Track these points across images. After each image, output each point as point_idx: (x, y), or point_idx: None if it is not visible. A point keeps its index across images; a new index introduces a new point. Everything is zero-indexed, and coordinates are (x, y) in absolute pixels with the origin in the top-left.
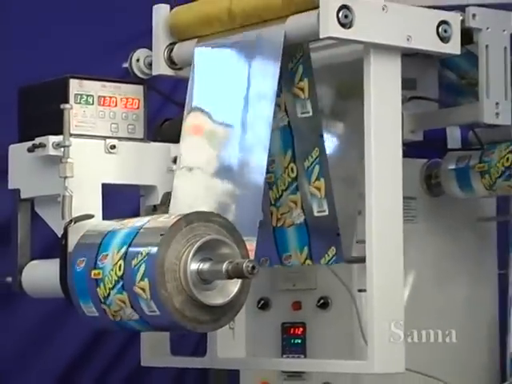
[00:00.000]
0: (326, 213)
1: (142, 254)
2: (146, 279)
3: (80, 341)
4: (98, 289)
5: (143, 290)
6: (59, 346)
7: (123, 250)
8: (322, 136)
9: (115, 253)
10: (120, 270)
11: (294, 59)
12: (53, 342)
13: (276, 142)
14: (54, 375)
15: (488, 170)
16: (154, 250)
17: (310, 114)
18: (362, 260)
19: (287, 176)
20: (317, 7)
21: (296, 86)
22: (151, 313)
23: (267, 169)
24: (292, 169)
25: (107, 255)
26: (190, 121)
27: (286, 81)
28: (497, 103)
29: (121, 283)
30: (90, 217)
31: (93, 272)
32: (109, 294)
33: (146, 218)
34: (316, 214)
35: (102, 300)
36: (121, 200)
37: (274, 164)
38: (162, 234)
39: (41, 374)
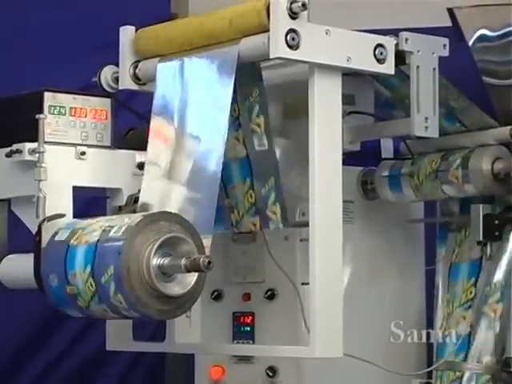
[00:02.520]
0: (281, 228)
1: (107, 273)
2: (119, 295)
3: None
4: (77, 301)
5: (120, 302)
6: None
7: (88, 268)
8: (277, 166)
9: (82, 271)
10: (92, 286)
11: (251, 98)
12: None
13: (236, 171)
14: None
15: (418, 179)
16: (118, 270)
17: (266, 147)
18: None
19: (247, 201)
20: (267, 30)
21: (253, 123)
22: (132, 316)
23: (228, 194)
24: (251, 195)
25: (75, 274)
26: (155, 128)
27: (244, 117)
28: (426, 118)
29: (97, 297)
30: (62, 216)
31: (68, 288)
32: (89, 305)
33: (110, 220)
34: (271, 229)
35: (85, 309)
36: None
37: (234, 190)
38: (119, 253)
39: None
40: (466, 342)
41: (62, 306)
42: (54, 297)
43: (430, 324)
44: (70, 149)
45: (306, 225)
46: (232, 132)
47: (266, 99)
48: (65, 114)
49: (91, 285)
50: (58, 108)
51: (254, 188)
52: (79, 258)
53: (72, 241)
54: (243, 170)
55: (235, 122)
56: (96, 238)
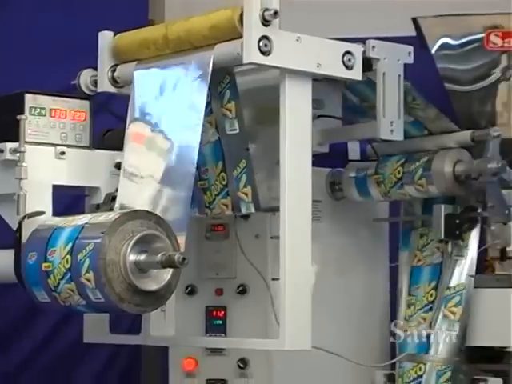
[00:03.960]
0: (253, 211)
1: (86, 249)
2: (91, 272)
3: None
4: (48, 279)
5: (89, 280)
6: None
7: (69, 245)
8: (247, 149)
9: (62, 248)
10: (67, 263)
11: (223, 84)
12: None
13: (208, 154)
14: None
15: (383, 181)
16: (97, 245)
17: (237, 130)
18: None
19: (219, 183)
20: (241, 37)
21: (224, 107)
22: (97, 300)
23: (202, 176)
24: (223, 177)
25: (55, 250)
26: (132, 131)
27: (215, 102)
28: (391, 122)
29: (69, 274)
30: (42, 213)
31: (43, 265)
32: (58, 284)
33: (89, 216)
34: (243, 212)
35: (53, 289)
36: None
37: (207, 172)
38: (102, 232)
39: None
40: (426, 341)
41: (32, 285)
42: (27, 273)
43: (393, 317)
44: (49, 149)
45: (277, 209)
46: (204, 116)
47: (236, 86)
48: (45, 115)
49: (67, 261)
50: (38, 109)
51: (226, 170)
52: (64, 235)
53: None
54: (216, 153)
55: (207, 107)
56: (77, 235)
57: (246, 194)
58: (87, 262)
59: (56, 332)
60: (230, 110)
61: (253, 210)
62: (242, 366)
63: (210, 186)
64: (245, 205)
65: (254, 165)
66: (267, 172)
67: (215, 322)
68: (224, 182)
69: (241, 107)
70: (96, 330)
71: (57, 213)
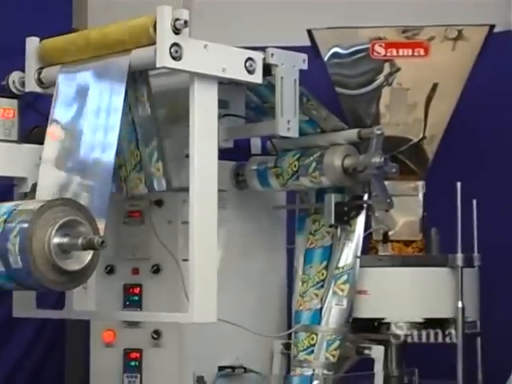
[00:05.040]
0: (164, 188)
1: (16, 228)
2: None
3: None
4: None
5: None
6: None
7: (4, 217)
8: (158, 129)
9: None
10: None
11: (138, 84)
12: None
13: (123, 133)
14: None
15: (281, 173)
16: (26, 224)
17: (149, 113)
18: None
19: (133, 159)
20: (154, 43)
21: (137, 93)
22: (15, 260)
23: (117, 154)
24: (136, 154)
25: None
26: (51, 127)
27: (130, 88)
28: (288, 121)
29: None
30: None
31: None
32: None
33: (20, 202)
34: (156, 188)
35: None
36: None
37: (122, 150)
38: (29, 218)
39: None
40: (318, 314)
41: None
42: None
43: (290, 294)
44: None
45: (186, 189)
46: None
47: (149, 83)
48: None
49: None
50: None
51: (139, 148)
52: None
53: None
54: (129, 133)
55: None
56: (5, 217)
57: (157, 169)
58: (17, 239)
59: None
60: (142, 95)
61: (164, 184)
62: (155, 336)
63: (124, 161)
64: (157, 179)
65: (167, 157)
66: (178, 164)
67: (132, 298)
68: (138, 159)
69: (152, 93)
70: (24, 305)
71: None
